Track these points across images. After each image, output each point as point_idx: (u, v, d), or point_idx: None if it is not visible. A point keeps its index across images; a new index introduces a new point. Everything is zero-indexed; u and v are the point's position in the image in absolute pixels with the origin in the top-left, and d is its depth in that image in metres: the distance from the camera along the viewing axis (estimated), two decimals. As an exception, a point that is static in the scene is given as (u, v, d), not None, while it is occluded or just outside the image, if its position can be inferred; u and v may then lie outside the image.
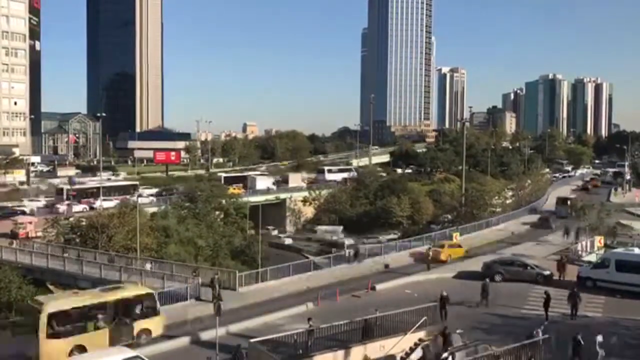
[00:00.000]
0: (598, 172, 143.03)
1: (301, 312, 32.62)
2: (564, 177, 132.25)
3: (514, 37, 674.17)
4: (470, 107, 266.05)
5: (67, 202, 76.50)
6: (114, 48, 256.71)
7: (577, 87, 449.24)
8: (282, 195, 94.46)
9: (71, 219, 57.63)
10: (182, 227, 58.53)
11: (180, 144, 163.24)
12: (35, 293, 42.97)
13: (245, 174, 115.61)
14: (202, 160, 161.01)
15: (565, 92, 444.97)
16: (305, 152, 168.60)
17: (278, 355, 21.47)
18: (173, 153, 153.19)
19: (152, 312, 28.97)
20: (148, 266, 38.64)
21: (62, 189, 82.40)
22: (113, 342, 26.66)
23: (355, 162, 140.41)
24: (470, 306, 33.35)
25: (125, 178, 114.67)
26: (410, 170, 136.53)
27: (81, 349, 25.74)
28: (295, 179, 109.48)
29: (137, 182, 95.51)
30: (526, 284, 38.55)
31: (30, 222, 64.10)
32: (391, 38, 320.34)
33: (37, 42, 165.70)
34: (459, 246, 50.94)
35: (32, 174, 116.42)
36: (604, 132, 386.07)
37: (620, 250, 41.45)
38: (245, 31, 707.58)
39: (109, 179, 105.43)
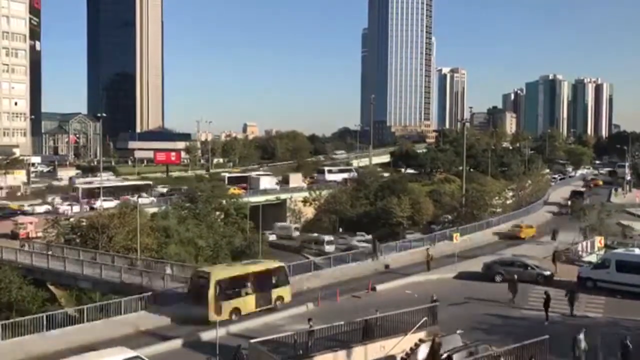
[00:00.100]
0: (596, 172, 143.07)
1: (301, 312, 32.63)
2: (562, 178, 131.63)
3: (514, 37, 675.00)
4: (471, 108, 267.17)
5: (86, 200, 78.68)
6: (114, 48, 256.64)
7: (578, 88, 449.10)
8: (283, 196, 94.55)
9: (71, 219, 57.71)
10: (183, 227, 58.57)
11: (181, 145, 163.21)
12: (35, 293, 43.14)
13: (254, 173, 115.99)
14: (202, 161, 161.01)
15: (565, 92, 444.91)
16: (306, 153, 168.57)
17: (278, 355, 21.45)
18: (173, 153, 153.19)
19: (284, 282, 34.88)
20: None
21: (77, 188, 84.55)
22: (257, 306, 32.69)
23: (355, 163, 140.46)
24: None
25: (135, 178, 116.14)
26: (414, 171, 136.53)
27: (237, 310, 31.64)
28: (296, 179, 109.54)
29: (151, 182, 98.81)
30: (526, 284, 38.50)
31: (31, 223, 64.23)
32: (391, 38, 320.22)
33: (37, 43, 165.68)
34: (531, 227, 63.12)
35: (32, 175, 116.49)
36: (604, 132, 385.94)
37: (620, 250, 41.43)
38: (245, 31, 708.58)
39: (125, 179, 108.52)
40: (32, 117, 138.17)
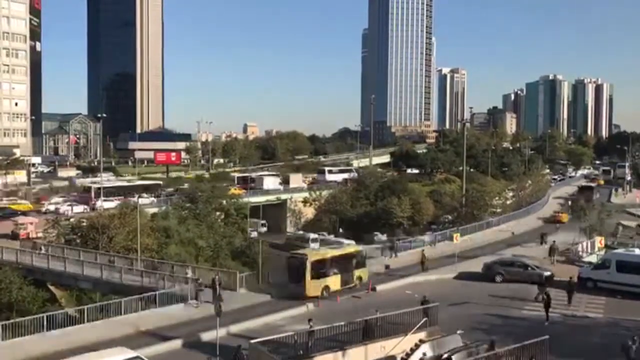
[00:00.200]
0: (597, 172, 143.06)
1: (302, 312, 32.66)
2: (562, 179, 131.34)
3: (514, 37, 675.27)
4: (471, 108, 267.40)
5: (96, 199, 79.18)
6: (114, 48, 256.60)
7: (578, 88, 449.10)
8: (283, 196, 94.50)
9: (72, 220, 57.69)
10: (183, 227, 58.47)
11: (181, 145, 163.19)
12: (35, 294, 43.11)
13: (259, 174, 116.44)
14: (202, 161, 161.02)
15: (565, 92, 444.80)
16: (306, 153, 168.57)
17: (279, 356, 21.45)
18: (174, 154, 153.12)
19: (362, 264, 39.79)
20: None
21: (90, 187, 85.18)
22: (342, 285, 37.22)
23: (355, 163, 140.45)
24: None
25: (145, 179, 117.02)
26: (417, 171, 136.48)
27: (327, 288, 36.20)
28: (296, 180, 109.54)
29: (161, 182, 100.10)
30: (527, 284, 38.50)
31: (31, 223, 64.18)
32: (391, 39, 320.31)
33: (37, 43, 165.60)
34: (565, 213, 74.33)
35: (32, 175, 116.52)
36: (604, 132, 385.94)
37: (620, 251, 41.42)
38: (245, 31, 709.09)
39: (136, 179, 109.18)
40: (33, 117, 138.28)
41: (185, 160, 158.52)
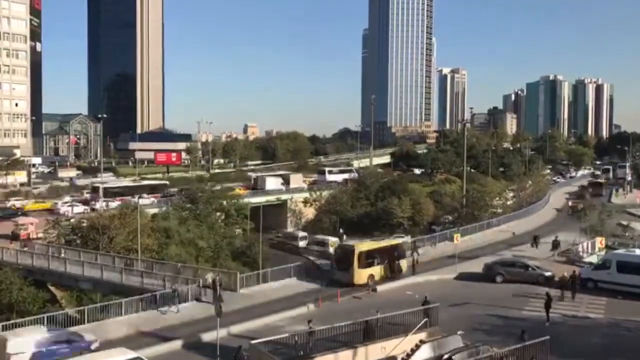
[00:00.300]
0: (598, 172, 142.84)
1: (302, 313, 32.65)
2: (556, 182, 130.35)
3: (515, 37, 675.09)
4: (471, 108, 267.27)
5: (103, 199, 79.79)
6: (114, 48, 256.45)
7: (578, 88, 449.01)
8: (284, 197, 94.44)
9: (72, 220, 57.69)
10: (183, 228, 58.49)
11: (181, 145, 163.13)
12: (36, 294, 43.09)
13: (279, 172, 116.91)
14: (202, 162, 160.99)
15: (566, 93, 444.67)
16: (306, 153, 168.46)
17: (279, 356, 21.46)
18: (174, 154, 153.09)
19: (402, 255, 43.26)
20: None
21: (97, 187, 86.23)
22: (384, 273, 40.65)
23: (356, 163, 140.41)
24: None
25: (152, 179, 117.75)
26: (419, 172, 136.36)
27: (372, 277, 39.55)
28: (297, 180, 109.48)
29: (167, 182, 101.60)
30: (527, 284, 38.50)
31: (32, 223, 64.23)
32: (392, 39, 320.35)
33: (38, 44, 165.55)
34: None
35: (33, 176, 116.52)
36: (604, 133, 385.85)
37: (621, 251, 41.41)
38: (245, 31, 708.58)
39: (142, 179, 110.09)
40: (33, 118, 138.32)
41: (186, 161, 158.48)
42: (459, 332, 23.85)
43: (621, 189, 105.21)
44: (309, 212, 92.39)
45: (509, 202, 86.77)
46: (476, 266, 43.33)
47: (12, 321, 29.67)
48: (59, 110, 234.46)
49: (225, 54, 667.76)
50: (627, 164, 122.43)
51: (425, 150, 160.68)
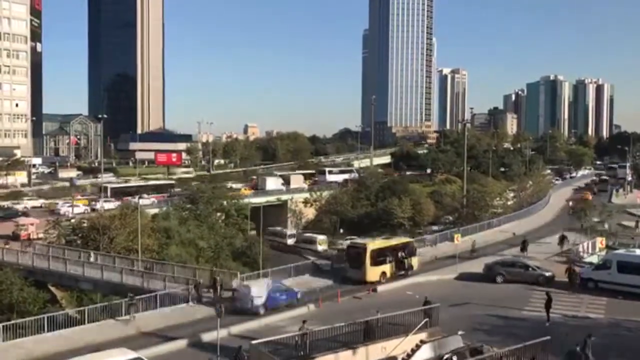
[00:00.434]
0: (602, 172, 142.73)
1: (303, 313, 32.63)
2: (559, 182, 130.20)
3: (515, 37, 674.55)
4: (472, 108, 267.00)
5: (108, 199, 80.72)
6: (115, 49, 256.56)
7: (579, 88, 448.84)
8: (284, 197, 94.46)
9: (72, 221, 57.73)
10: (184, 228, 58.55)
11: (182, 146, 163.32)
12: (36, 295, 43.13)
13: (287, 172, 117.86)
14: (203, 162, 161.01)
15: (566, 93, 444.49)
16: (307, 154, 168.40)
17: (279, 356, 21.45)
18: (174, 154, 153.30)
19: (413, 253, 43.99)
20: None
21: (105, 187, 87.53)
22: (396, 271, 41.36)
23: (356, 164, 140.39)
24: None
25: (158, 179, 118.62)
26: (421, 172, 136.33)
27: (383, 274, 40.54)
28: (297, 180, 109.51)
29: (173, 182, 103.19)
30: (527, 285, 38.48)
31: (32, 224, 64.26)
32: (392, 39, 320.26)
33: (38, 44, 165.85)
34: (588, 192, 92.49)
35: (33, 176, 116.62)
36: (605, 133, 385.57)
37: (621, 251, 41.34)
38: (245, 31, 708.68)
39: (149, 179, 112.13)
40: (33, 118, 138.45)
41: (186, 161, 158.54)
42: (459, 333, 23.84)
43: (621, 189, 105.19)
44: (309, 213, 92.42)
45: (509, 203, 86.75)
46: (477, 266, 43.32)
47: (12, 322, 29.66)
48: (60, 111, 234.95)
49: (225, 55, 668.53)
50: (628, 164, 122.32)
51: (425, 151, 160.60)
